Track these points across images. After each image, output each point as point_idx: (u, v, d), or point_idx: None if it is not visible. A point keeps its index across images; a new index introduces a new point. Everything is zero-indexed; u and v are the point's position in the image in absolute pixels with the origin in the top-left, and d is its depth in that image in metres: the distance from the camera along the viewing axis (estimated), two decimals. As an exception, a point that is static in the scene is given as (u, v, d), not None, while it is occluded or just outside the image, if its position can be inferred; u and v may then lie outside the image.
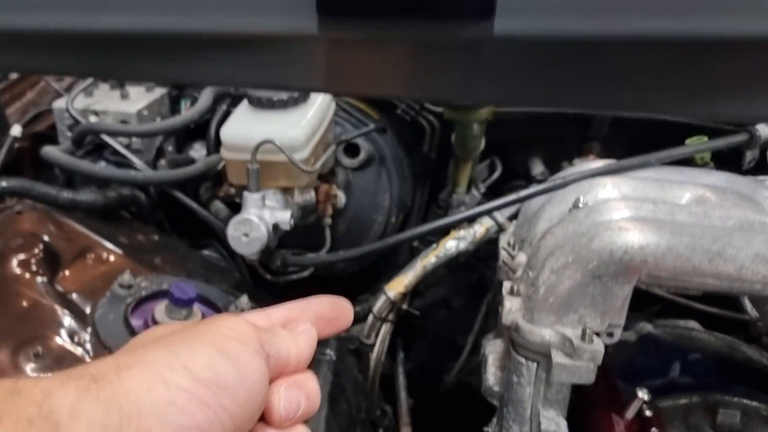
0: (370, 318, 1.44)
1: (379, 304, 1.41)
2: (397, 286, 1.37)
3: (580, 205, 0.88)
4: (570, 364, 0.76)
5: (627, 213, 0.81)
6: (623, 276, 0.75)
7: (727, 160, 1.04)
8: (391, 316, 1.43)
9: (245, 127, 1.02)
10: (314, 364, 1.58)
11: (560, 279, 0.78)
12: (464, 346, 1.57)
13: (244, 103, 1.09)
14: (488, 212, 1.00)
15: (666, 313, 1.41)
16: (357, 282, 1.61)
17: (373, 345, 1.47)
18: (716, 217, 0.79)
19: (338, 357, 1.55)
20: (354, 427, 1.29)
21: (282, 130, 1.00)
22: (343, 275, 1.52)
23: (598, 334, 0.78)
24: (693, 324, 1.36)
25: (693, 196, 0.87)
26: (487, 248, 1.50)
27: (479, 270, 1.54)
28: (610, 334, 0.80)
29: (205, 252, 1.34)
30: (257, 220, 0.97)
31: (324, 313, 0.50)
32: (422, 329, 1.66)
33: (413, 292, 1.52)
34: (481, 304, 1.54)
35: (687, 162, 1.06)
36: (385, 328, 1.45)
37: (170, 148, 1.33)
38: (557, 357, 0.77)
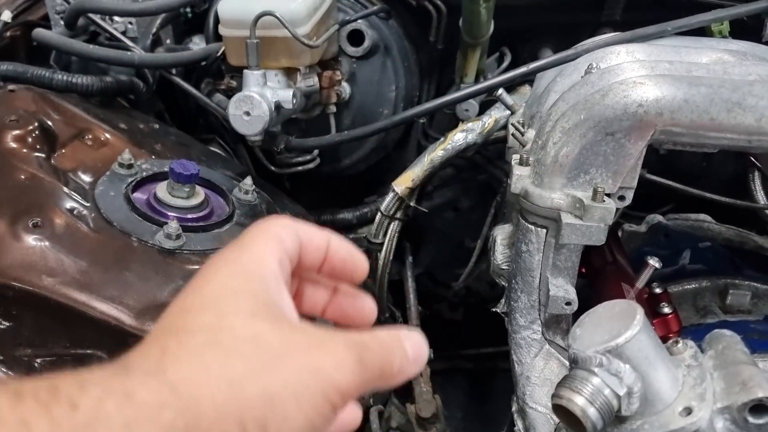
0: (378, 216, 1.42)
1: (386, 201, 1.39)
2: (405, 181, 1.35)
3: (593, 70, 0.84)
4: (580, 224, 0.74)
5: (642, 72, 0.77)
6: (637, 131, 0.72)
7: (747, 35, 0.99)
8: (399, 214, 1.41)
9: (243, 1, 0.98)
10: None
11: (571, 139, 0.75)
12: (472, 250, 1.55)
13: (242, -20, 1.05)
14: (499, 86, 0.96)
15: (678, 211, 1.39)
16: (364, 184, 1.58)
17: (381, 244, 1.46)
18: (736, 74, 0.75)
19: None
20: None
21: (282, 2, 0.96)
22: (349, 174, 1.50)
23: (609, 196, 0.76)
24: (704, 217, 1.33)
25: (711, 59, 0.83)
26: (496, 148, 1.47)
27: (487, 170, 1.51)
28: (622, 197, 0.78)
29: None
30: (258, 97, 0.94)
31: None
32: (430, 233, 1.64)
33: (421, 194, 1.50)
34: (489, 207, 1.52)
35: (705, 35, 1.01)
36: (393, 227, 1.43)
37: (168, 41, 1.29)
38: (567, 218, 0.75)
